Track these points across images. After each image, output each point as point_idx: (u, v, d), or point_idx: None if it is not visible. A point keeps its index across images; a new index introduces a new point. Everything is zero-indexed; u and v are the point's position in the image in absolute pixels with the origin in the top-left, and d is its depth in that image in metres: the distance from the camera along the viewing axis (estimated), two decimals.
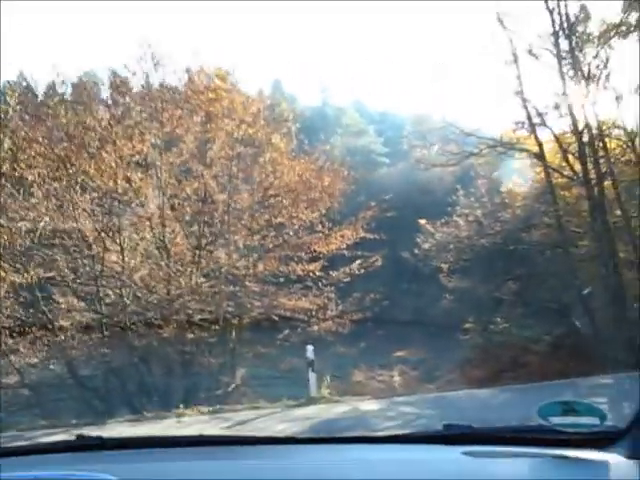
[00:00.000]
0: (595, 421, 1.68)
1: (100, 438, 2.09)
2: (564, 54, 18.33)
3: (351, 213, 15.88)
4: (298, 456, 1.99)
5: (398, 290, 21.79)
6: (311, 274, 15.23)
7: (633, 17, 17.98)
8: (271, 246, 15.42)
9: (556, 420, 1.71)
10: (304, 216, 15.22)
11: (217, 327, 13.95)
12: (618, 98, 17.91)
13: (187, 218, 15.50)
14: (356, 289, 16.02)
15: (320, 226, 15.52)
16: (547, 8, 17.98)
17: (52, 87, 15.61)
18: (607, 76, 18.12)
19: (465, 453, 1.70)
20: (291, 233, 15.43)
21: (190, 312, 13.67)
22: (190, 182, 15.34)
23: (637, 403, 1.99)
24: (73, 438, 2.20)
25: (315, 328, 15.27)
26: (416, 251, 20.71)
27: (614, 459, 1.59)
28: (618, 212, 17.80)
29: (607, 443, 1.67)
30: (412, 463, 1.75)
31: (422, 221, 20.09)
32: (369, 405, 11.49)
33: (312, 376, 12.26)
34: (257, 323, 14.75)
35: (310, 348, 12.38)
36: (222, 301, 14.05)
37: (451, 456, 1.74)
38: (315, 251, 15.47)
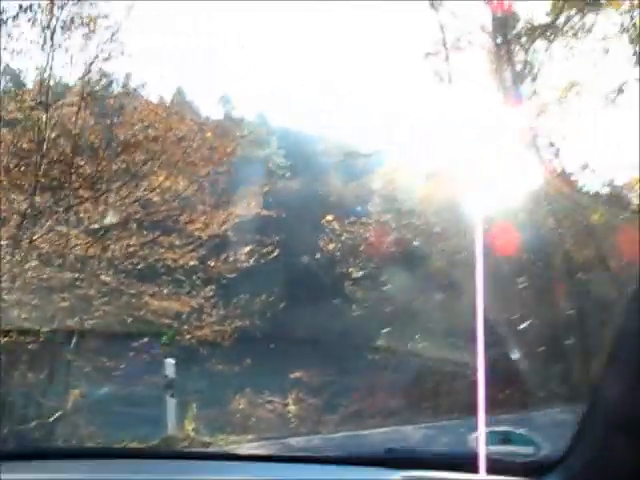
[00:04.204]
0: (530, 451, 1.72)
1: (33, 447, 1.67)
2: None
3: (243, 185, 11.84)
4: (231, 473, 1.90)
5: (296, 295, 17.59)
6: (184, 265, 11.05)
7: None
8: (132, 225, 11.09)
9: (493, 448, 1.70)
10: (179, 186, 11.02)
11: (45, 330, 9.50)
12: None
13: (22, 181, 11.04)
14: (243, 289, 11.99)
15: (200, 202, 11.37)
16: None
17: None
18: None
19: (405, 478, 1.69)
20: (160, 209, 11.16)
21: (5, 306, 9.22)
22: (27, 132, 10.88)
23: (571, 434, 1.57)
24: None
25: (187, 337, 11.23)
26: (318, 255, 16.98)
27: None
28: None
29: (541, 472, 1.64)
30: None
31: (329, 217, 16.40)
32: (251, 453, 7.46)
33: (171, 403, 8.19)
34: (105, 327, 10.56)
35: (170, 362, 8.28)
36: (54, 293, 9.66)
37: (391, 479, 1.72)
38: (191, 234, 11.26)
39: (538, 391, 12.68)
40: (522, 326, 13.98)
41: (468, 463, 1.73)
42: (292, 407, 12.51)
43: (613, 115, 18.33)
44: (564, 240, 16.11)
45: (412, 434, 9.00)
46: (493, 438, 1.78)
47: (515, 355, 13.30)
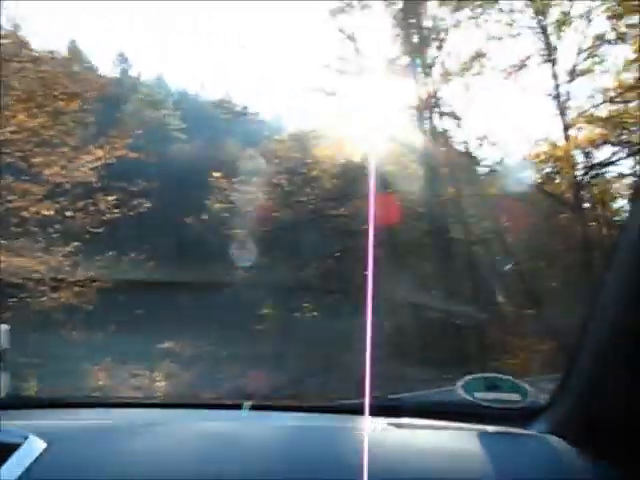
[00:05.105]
0: (517, 397, 1.69)
1: (25, 397, 2.48)
2: None
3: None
4: (222, 420, 1.87)
5: (170, 253, 15.50)
6: (40, 215, 9.36)
7: None
8: None
9: (480, 395, 1.71)
10: (36, 124, 9.27)
11: None
12: None
13: None
14: (110, 245, 10.34)
15: (61, 144, 9.66)
16: None
17: None
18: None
19: (390, 424, 1.67)
20: (12, 148, 9.36)
21: None
22: None
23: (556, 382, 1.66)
24: None
25: (43, 299, 9.53)
26: (203, 215, 15.54)
27: (532, 434, 1.60)
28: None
29: (528, 419, 1.68)
30: (336, 431, 1.69)
31: (216, 174, 14.95)
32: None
33: (3, 378, 6.46)
34: None
35: (3, 329, 6.56)
36: None
37: (376, 426, 1.67)
38: (49, 180, 9.53)
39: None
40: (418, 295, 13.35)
41: (453, 411, 1.80)
42: (161, 383, 11.02)
43: (516, 88, 18.16)
44: (462, 211, 15.62)
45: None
46: (479, 385, 1.72)
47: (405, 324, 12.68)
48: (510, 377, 1.74)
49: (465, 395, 1.71)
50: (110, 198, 9.93)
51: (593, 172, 15.15)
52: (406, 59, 16.63)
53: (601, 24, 16.54)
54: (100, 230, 10.07)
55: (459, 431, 1.66)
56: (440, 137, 16.07)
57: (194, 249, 15.44)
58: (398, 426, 1.66)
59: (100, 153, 9.62)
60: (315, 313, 12.69)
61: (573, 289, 14.62)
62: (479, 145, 16.62)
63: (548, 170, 16.63)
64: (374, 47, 18.35)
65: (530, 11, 16.35)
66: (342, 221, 15.30)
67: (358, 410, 1.82)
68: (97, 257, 10.23)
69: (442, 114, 16.36)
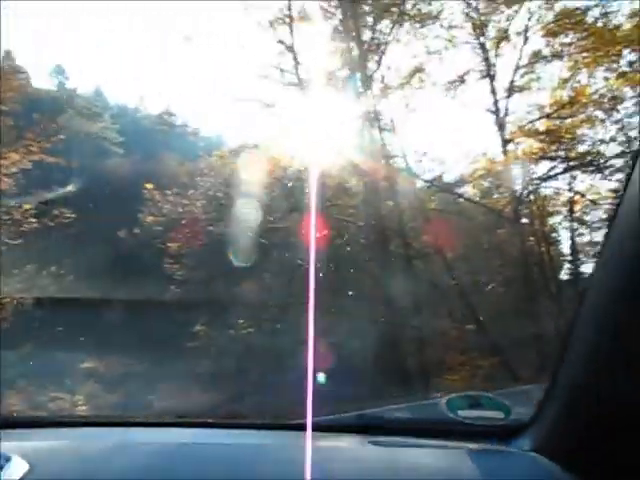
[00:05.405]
0: (500, 415, 1.73)
1: (7, 416, 2.18)
2: None
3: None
4: (215, 439, 1.88)
5: (97, 267, 14.40)
6: None
7: None
8: None
9: (463, 413, 1.74)
10: None
11: None
12: None
13: None
14: (29, 258, 9.64)
15: None
16: None
17: None
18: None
19: (373, 442, 1.70)
20: None
21: None
22: None
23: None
24: None
25: None
26: (137, 230, 14.89)
27: (515, 451, 1.63)
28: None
29: (511, 436, 1.71)
30: (320, 450, 1.63)
31: (149, 185, 14.35)
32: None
33: None
34: None
35: None
36: None
37: (359, 445, 1.74)
38: None
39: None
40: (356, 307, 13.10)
41: (437, 428, 1.80)
42: (83, 407, 10.23)
43: (455, 103, 18.21)
44: (402, 226, 15.48)
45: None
46: (463, 403, 1.76)
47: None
48: (492, 395, 1.78)
49: (448, 413, 1.73)
50: (27, 207, 9.21)
51: (531, 187, 15.23)
52: (345, 72, 16.45)
53: (537, 42, 16.76)
54: (18, 242, 9.34)
55: (443, 449, 1.67)
56: (380, 151, 15.91)
57: (123, 262, 14.54)
58: (382, 444, 1.67)
59: (15, 157, 8.91)
60: (251, 330, 12.18)
61: (512, 304, 14.61)
62: (419, 160, 16.61)
63: (487, 185, 16.73)
64: (314, 59, 18.15)
65: (469, 27, 16.42)
66: (280, 235, 14.94)
67: (345, 428, 1.88)
68: (15, 270, 9.49)
69: (382, 128, 16.23)
